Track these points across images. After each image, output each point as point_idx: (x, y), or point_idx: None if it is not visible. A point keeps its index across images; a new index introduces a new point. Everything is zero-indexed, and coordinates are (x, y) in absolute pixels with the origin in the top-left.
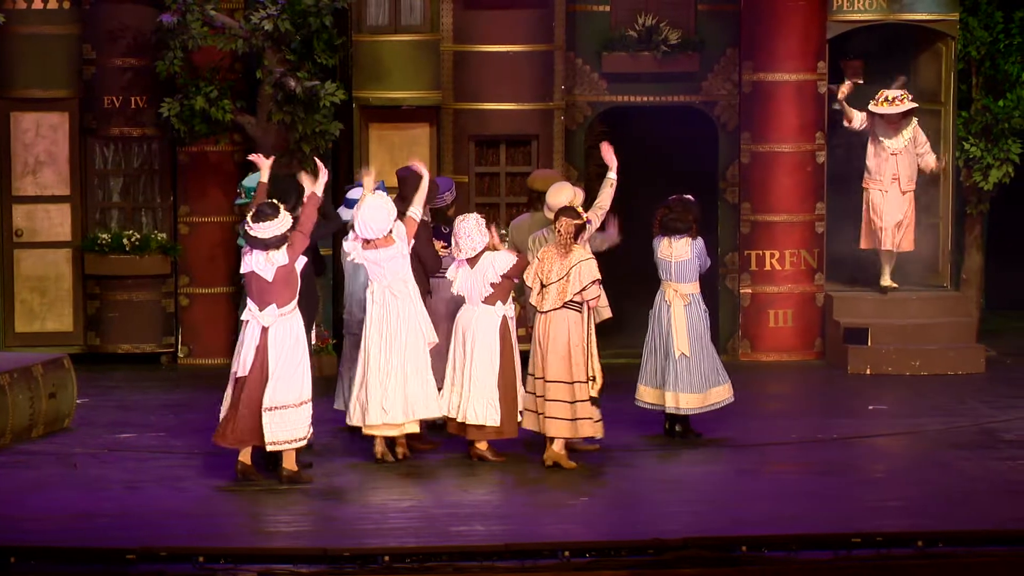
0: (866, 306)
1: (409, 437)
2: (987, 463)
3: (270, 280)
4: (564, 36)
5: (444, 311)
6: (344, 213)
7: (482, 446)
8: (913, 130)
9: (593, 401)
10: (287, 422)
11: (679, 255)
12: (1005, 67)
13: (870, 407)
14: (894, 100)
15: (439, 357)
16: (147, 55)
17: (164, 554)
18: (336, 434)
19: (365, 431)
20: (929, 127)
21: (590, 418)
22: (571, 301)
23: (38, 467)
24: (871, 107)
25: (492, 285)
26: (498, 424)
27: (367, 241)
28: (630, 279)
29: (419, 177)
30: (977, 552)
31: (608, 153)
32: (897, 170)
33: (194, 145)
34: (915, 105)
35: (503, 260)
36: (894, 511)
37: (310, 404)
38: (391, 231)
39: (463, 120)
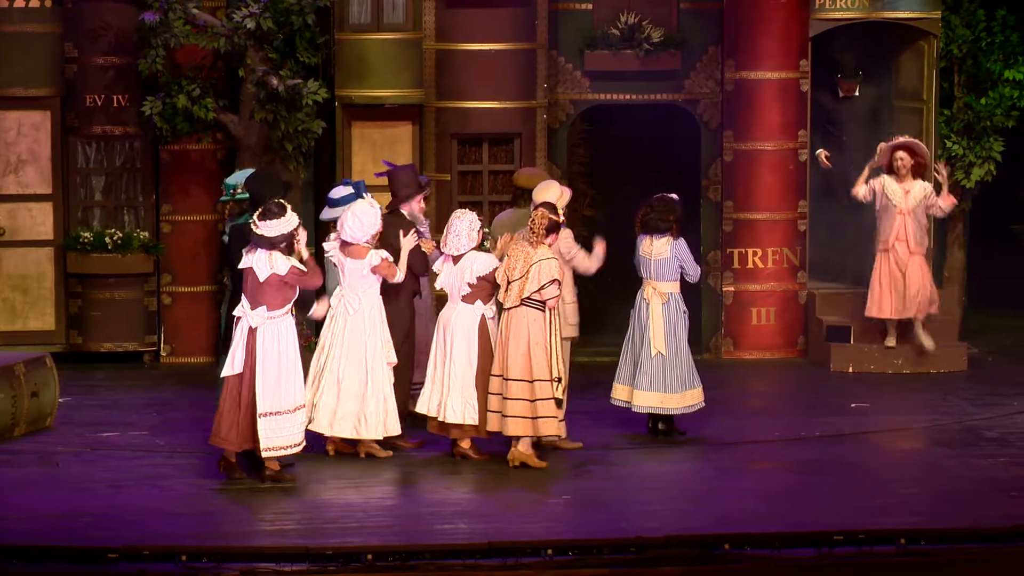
0: (849, 304)
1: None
2: (969, 460)
3: (261, 281)
4: (546, 34)
5: (430, 312)
6: (324, 212)
7: (465, 444)
8: (924, 190)
9: (557, 402)
10: (282, 428)
11: (659, 253)
12: (987, 65)
13: (853, 405)
14: (898, 153)
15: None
16: (129, 53)
17: (147, 553)
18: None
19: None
20: (911, 125)
21: (554, 417)
22: (530, 299)
23: (20, 466)
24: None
25: (469, 285)
26: (476, 422)
27: (344, 243)
28: (614, 278)
29: (409, 174)
30: (958, 550)
31: (600, 250)
32: (904, 231)
33: (176, 143)
34: (911, 139)
35: (482, 263)
36: (876, 509)
37: (304, 410)
38: (370, 248)
39: (445, 118)
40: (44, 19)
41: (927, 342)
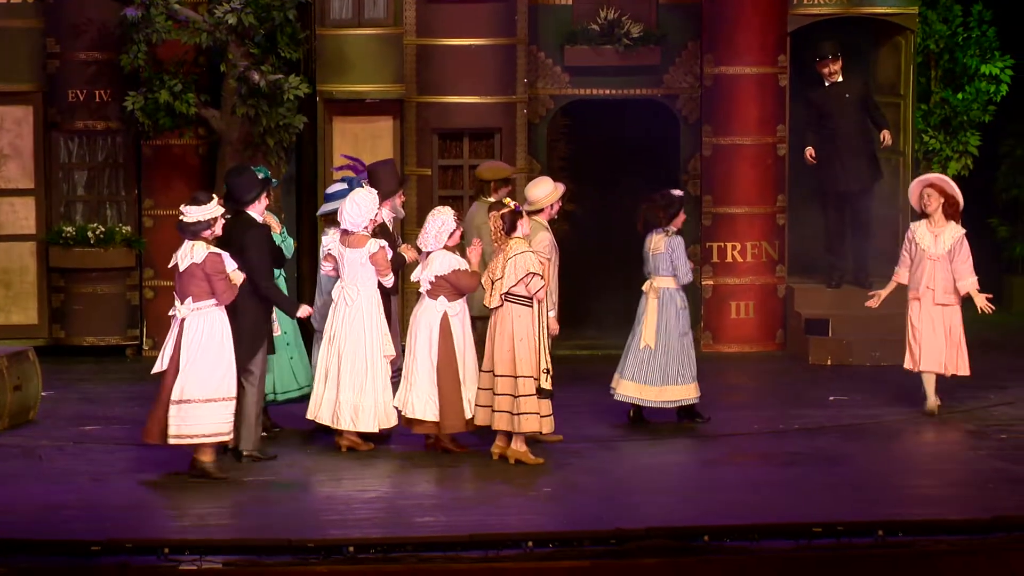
0: (827, 297)
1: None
2: (947, 453)
3: (182, 271)
4: (526, 30)
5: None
6: (323, 207)
7: (444, 438)
8: (953, 239)
9: (546, 393)
10: (193, 417)
11: (655, 248)
12: (963, 60)
13: (831, 398)
14: (925, 190)
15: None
16: (111, 49)
17: (129, 546)
18: (301, 426)
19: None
20: (889, 120)
21: (536, 413)
22: (512, 295)
23: (3, 459)
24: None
25: (430, 283)
26: (436, 419)
27: (344, 233)
28: (596, 273)
29: (390, 170)
30: (936, 541)
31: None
32: (933, 279)
33: (158, 138)
34: (940, 176)
35: (442, 262)
36: (855, 501)
37: (227, 403)
38: (369, 236)
39: (426, 113)
40: (26, 14)
41: (932, 404)
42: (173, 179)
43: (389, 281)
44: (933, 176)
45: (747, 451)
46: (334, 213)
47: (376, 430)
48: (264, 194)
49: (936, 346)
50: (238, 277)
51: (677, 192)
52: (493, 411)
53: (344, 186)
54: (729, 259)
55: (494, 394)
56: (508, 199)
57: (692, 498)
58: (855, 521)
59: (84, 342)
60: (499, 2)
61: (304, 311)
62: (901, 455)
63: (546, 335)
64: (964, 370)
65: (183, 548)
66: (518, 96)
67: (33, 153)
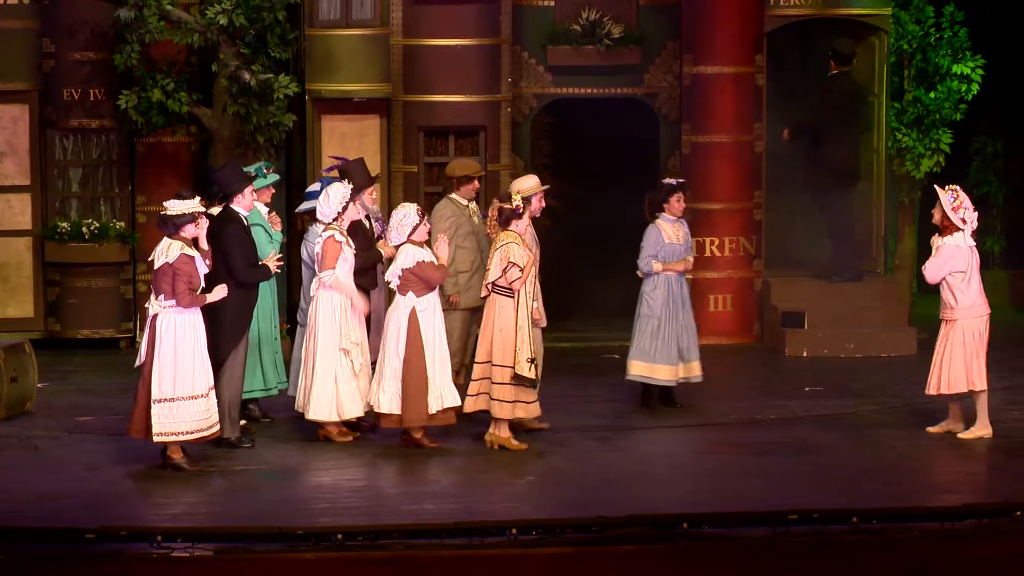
0: (803, 291)
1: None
2: (919, 442)
3: (155, 268)
4: (510, 30)
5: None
6: (301, 206)
7: (417, 434)
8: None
9: (527, 382)
10: (176, 415)
11: None
12: (935, 60)
13: (807, 389)
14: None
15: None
16: (105, 49)
17: (123, 533)
18: (290, 415)
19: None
20: (864, 117)
21: (508, 400)
22: (496, 286)
23: (0, 450)
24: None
25: (398, 277)
26: (400, 412)
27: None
28: (581, 268)
29: (360, 166)
30: (910, 528)
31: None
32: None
33: (151, 136)
34: (943, 188)
35: (406, 256)
36: (830, 488)
37: (205, 399)
38: (334, 227)
39: (412, 112)
40: (22, 15)
41: (976, 425)
42: (166, 176)
43: (327, 277)
44: (941, 189)
45: (725, 441)
46: (313, 211)
47: (325, 419)
48: (250, 188)
49: (937, 367)
50: (220, 292)
51: (668, 180)
52: (468, 394)
53: (318, 186)
54: (707, 253)
55: (472, 380)
56: (516, 194)
57: (671, 486)
58: (830, 508)
59: (79, 335)
60: (484, 3)
61: (271, 263)
62: (875, 444)
63: (528, 324)
64: (945, 388)
65: (176, 535)
66: (502, 95)
67: (29, 150)
